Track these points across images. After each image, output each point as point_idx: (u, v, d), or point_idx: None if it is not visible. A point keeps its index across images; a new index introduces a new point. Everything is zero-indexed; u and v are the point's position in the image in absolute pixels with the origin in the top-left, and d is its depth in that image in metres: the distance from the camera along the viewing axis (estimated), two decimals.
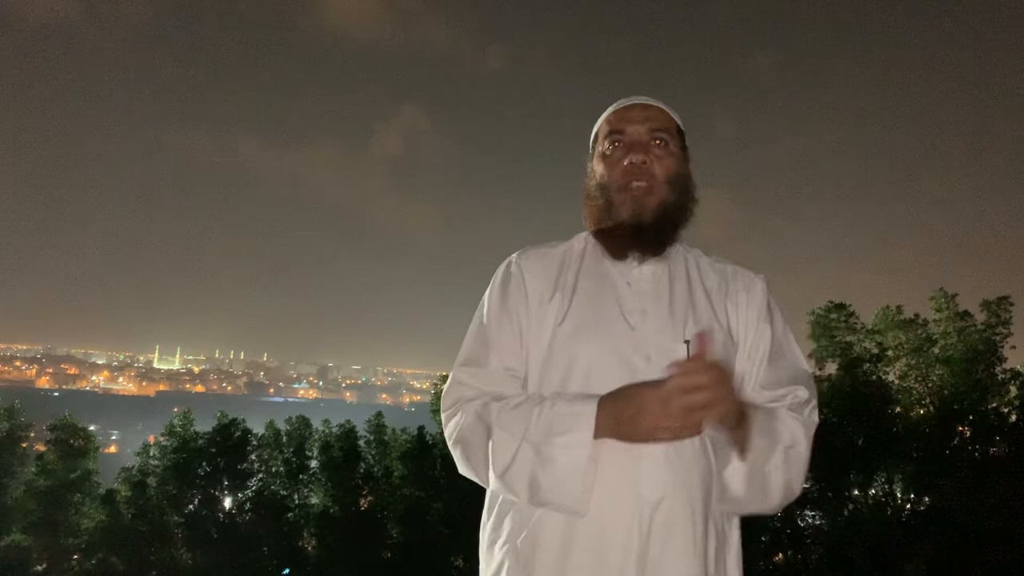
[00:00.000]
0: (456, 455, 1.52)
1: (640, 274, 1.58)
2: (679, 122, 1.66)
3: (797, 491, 1.45)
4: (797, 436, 1.45)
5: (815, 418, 1.53)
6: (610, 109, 1.66)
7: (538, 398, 1.44)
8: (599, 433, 1.36)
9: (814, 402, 1.54)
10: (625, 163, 1.56)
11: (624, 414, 1.35)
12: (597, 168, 1.62)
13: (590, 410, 1.37)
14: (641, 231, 1.54)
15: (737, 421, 1.36)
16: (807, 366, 1.60)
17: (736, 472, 1.41)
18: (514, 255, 1.67)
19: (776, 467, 1.40)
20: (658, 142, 1.58)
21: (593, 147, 1.68)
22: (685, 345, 1.49)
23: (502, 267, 1.66)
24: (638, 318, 1.52)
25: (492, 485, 1.48)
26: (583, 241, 1.68)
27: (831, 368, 21.93)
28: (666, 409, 1.30)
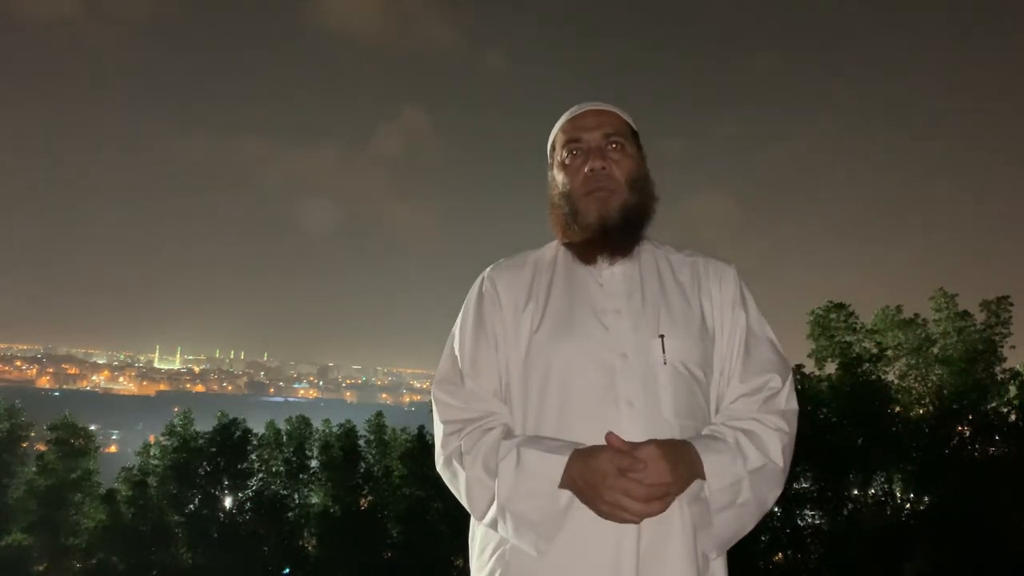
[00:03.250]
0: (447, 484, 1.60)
1: (611, 275, 1.61)
2: (632, 124, 1.70)
3: (772, 503, 1.49)
4: (769, 450, 1.47)
5: (794, 404, 1.56)
6: (564, 118, 1.70)
7: (509, 445, 1.46)
8: (563, 486, 1.40)
9: (790, 388, 1.56)
10: (585, 170, 1.60)
11: (584, 483, 1.37)
12: (558, 177, 1.66)
13: (556, 471, 1.39)
14: (608, 233, 1.58)
15: (689, 479, 1.39)
16: (781, 352, 1.62)
17: (708, 531, 1.45)
18: (487, 270, 1.71)
19: (745, 502, 1.43)
20: (614, 146, 1.62)
21: (551, 157, 1.72)
22: (660, 340, 1.52)
23: (476, 284, 1.70)
24: (612, 318, 1.55)
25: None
26: (554, 249, 1.71)
27: (831, 368, 21.96)
28: (618, 498, 1.32)
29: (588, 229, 1.60)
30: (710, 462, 1.40)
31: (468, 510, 1.53)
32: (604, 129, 1.63)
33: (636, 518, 1.34)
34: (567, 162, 1.65)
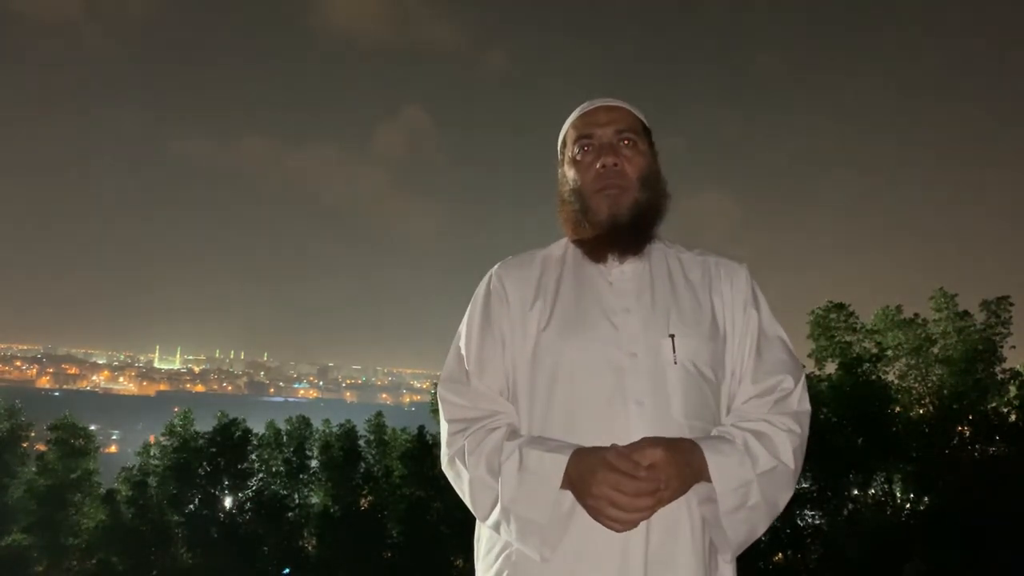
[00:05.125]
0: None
1: (621, 273, 1.59)
2: (644, 120, 1.68)
3: (783, 506, 1.46)
4: (779, 452, 1.44)
5: (806, 405, 1.53)
6: (575, 114, 1.68)
7: (512, 446, 1.44)
8: (564, 486, 1.38)
9: (802, 389, 1.53)
10: (597, 166, 1.58)
11: (577, 478, 1.35)
12: (569, 173, 1.64)
13: (558, 471, 1.37)
14: (618, 231, 1.56)
15: (693, 480, 1.37)
16: (793, 353, 1.60)
17: (720, 532, 1.43)
18: (494, 268, 1.69)
19: (756, 505, 1.41)
20: (626, 142, 1.60)
21: (562, 153, 1.69)
22: (670, 340, 1.50)
23: (483, 281, 1.68)
24: (621, 317, 1.52)
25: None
26: (563, 247, 1.69)
27: (831, 368, 21.94)
28: (606, 491, 1.30)
29: (599, 226, 1.57)
30: (716, 464, 1.37)
31: (471, 511, 1.51)
32: (616, 125, 1.61)
33: (623, 516, 1.30)
34: (578, 158, 1.62)
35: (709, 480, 1.37)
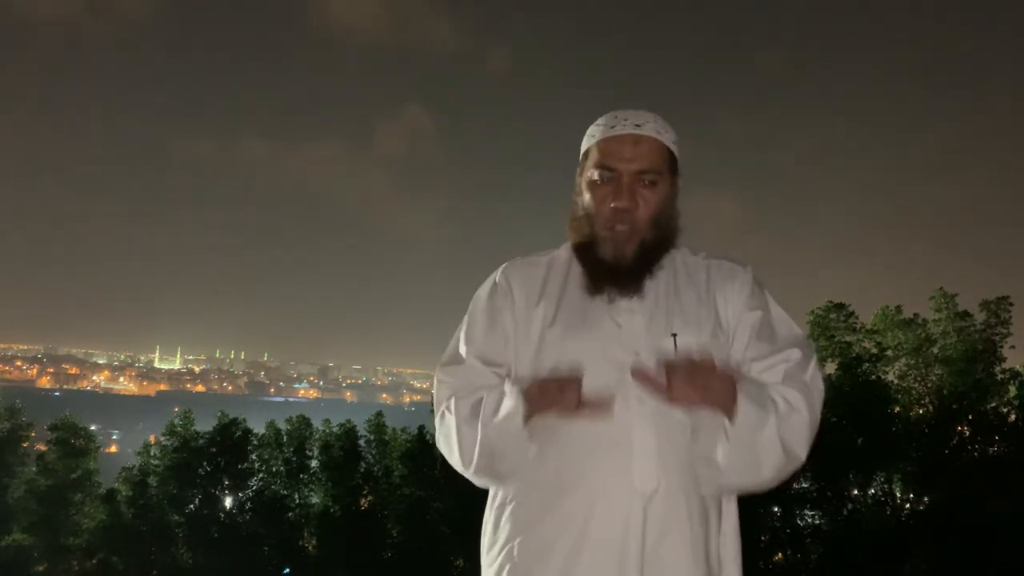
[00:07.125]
0: (443, 452, 1.62)
1: None
2: (673, 148, 1.63)
3: (801, 455, 1.47)
4: (796, 403, 1.47)
5: (820, 384, 1.54)
6: (603, 128, 1.62)
7: (493, 393, 1.53)
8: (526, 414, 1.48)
9: (813, 365, 1.55)
10: (611, 205, 1.56)
11: (529, 395, 1.47)
12: (585, 195, 1.62)
13: (515, 396, 1.48)
14: (619, 273, 1.57)
15: (729, 400, 1.41)
16: (800, 331, 1.61)
17: (724, 447, 1.44)
18: (501, 267, 1.71)
19: (769, 437, 1.43)
20: (647, 183, 1.57)
21: (582, 163, 1.66)
22: (672, 338, 1.52)
23: (488, 280, 1.70)
24: (625, 316, 1.55)
25: (470, 475, 1.59)
26: (568, 250, 1.70)
27: (830, 368, 21.95)
28: (549, 384, 1.44)
29: (601, 263, 1.58)
30: (745, 391, 1.43)
31: (460, 464, 1.55)
32: (640, 164, 1.56)
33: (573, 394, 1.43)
34: (597, 183, 1.59)
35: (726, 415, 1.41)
